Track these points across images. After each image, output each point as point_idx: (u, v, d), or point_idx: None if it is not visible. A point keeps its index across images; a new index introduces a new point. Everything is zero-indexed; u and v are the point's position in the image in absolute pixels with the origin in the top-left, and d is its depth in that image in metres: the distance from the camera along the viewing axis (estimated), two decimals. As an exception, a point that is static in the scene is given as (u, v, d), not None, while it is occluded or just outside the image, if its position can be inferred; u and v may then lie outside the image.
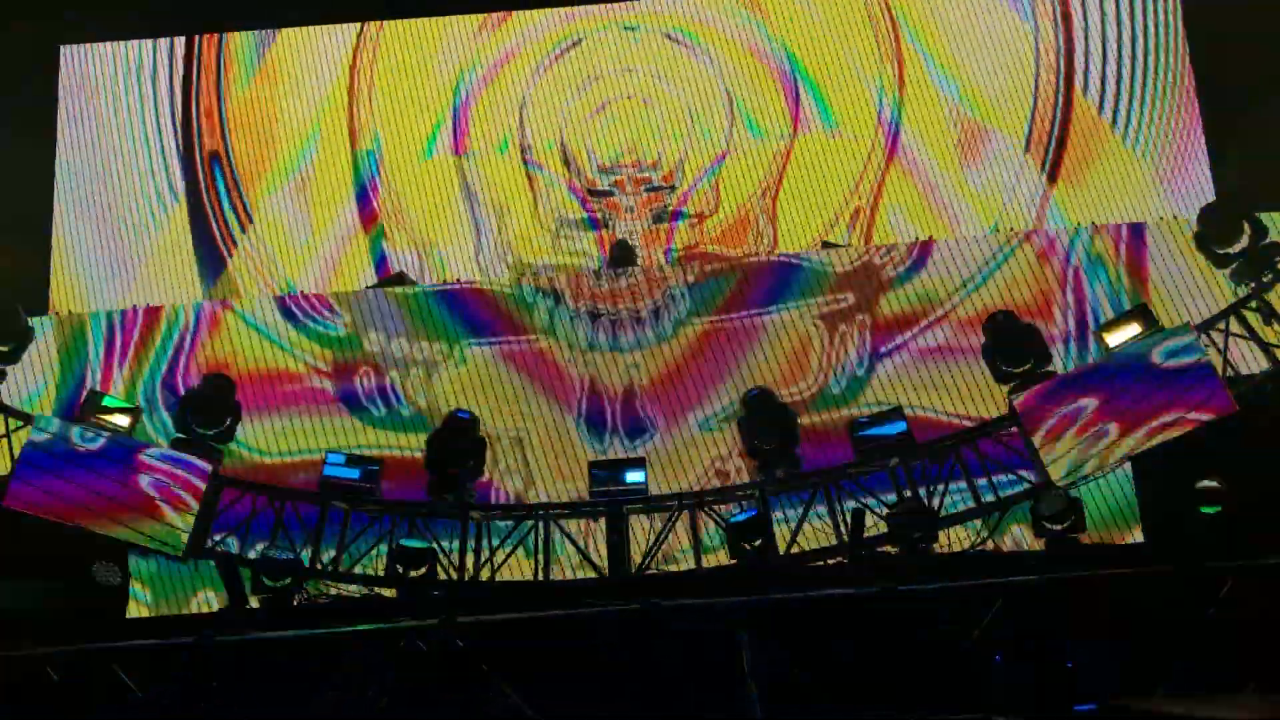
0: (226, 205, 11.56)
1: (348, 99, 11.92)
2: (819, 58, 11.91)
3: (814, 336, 10.25)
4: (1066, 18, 11.71)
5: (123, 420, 8.65)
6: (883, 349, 10.17)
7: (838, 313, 10.30)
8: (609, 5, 12.02)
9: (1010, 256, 10.29)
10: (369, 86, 11.98)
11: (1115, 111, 11.47)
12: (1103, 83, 11.53)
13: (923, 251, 10.45)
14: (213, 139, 11.72)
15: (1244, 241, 8.79)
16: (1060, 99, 11.55)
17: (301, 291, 10.77)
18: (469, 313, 10.45)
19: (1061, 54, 11.64)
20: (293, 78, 11.98)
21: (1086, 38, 11.67)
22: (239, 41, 11.99)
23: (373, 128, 11.88)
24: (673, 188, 11.60)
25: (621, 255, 11.05)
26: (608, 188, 11.63)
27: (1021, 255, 10.29)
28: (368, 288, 10.89)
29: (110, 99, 11.78)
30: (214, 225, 11.51)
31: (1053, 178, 11.37)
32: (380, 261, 11.46)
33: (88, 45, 11.82)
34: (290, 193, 11.64)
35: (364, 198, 11.68)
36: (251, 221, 11.50)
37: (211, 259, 11.43)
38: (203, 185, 11.59)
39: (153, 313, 10.51)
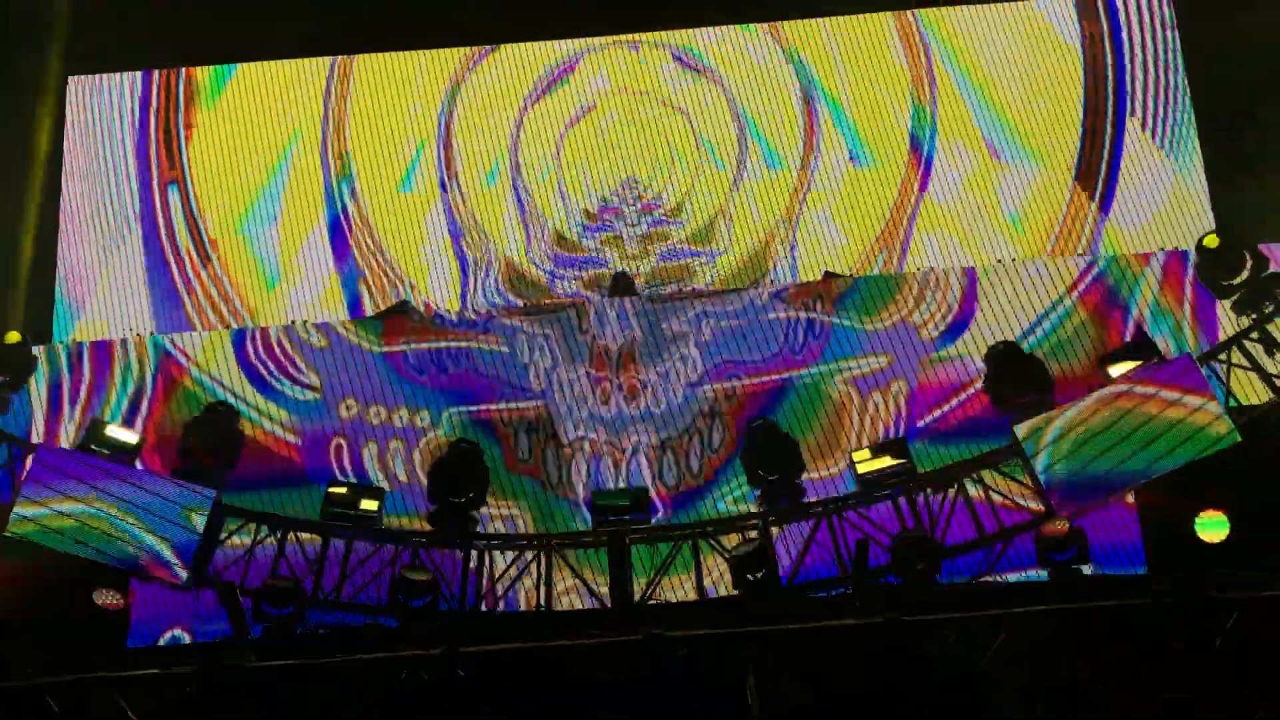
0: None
1: (321, 128, 11.52)
2: (843, 82, 11.45)
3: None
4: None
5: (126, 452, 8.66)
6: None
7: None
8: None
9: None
10: (343, 114, 11.57)
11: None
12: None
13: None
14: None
15: (1245, 273, 8.84)
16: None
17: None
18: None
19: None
20: (262, 106, 11.63)
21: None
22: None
23: (347, 158, 11.46)
24: (681, 222, 11.32)
25: (620, 287, 10.83)
26: (608, 221, 11.34)
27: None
28: (371, 317, 10.75)
29: (101, 131, 11.67)
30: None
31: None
32: (354, 303, 11.00)
33: (94, 77, 11.81)
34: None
35: (337, 233, 11.24)
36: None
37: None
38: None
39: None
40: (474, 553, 8.64)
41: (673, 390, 9.69)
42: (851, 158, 11.27)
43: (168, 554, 8.42)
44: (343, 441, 9.67)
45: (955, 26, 11.68)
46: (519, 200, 11.45)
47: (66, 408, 9.81)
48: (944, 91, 11.50)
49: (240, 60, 11.83)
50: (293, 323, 10.31)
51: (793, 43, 11.77)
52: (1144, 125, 11.25)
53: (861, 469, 8.74)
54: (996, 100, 11.49)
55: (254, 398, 9.76)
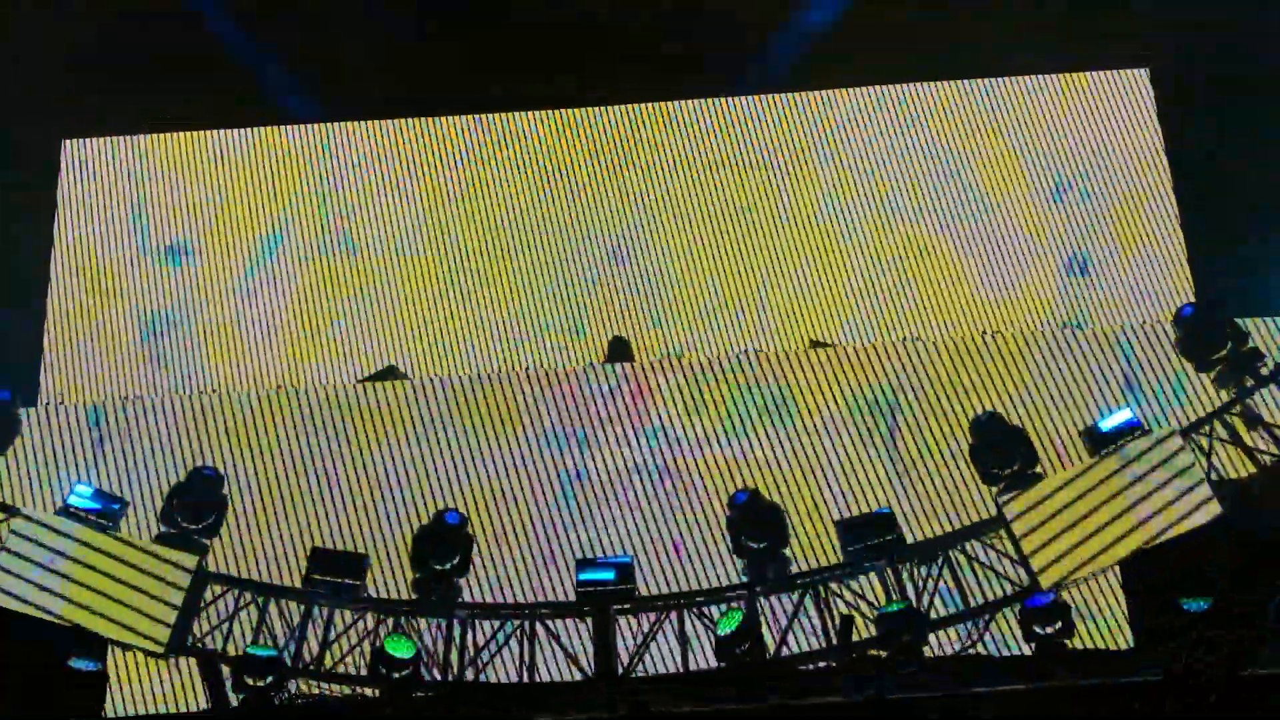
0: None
1: (322, 196, 11.82)
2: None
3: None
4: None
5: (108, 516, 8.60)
6: None
7: None
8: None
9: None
10: (343, 179, 11.89)
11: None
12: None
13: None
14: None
15: (1226, 347, 8.93)
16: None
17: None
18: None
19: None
20: (254, 174, 11.92)
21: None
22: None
23: (346, 223, 11.78)
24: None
25: (618, 351, 10.98)
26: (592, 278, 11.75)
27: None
28: (355, 383, 10.80)
29: (96, 193, 11.81)
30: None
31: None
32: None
33: (89, 140, 11.95)
34: (251, 291, 11.51)
35: (343, 296, 11.56)
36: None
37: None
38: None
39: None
40: (457, 622, 8.58)
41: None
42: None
43: (147, 621, 8.34)
44: None
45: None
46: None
47: (53, 470, 9.79)
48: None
49: (242, 126, 12.04)
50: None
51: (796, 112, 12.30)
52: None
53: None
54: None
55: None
